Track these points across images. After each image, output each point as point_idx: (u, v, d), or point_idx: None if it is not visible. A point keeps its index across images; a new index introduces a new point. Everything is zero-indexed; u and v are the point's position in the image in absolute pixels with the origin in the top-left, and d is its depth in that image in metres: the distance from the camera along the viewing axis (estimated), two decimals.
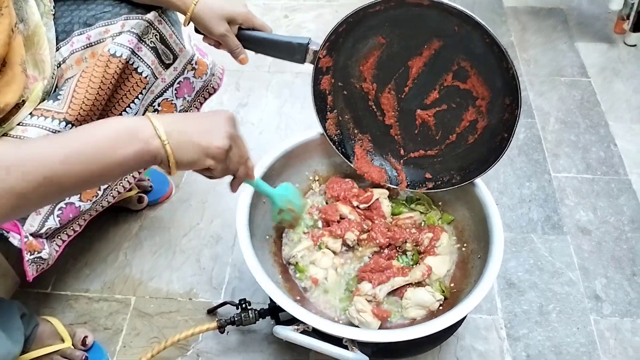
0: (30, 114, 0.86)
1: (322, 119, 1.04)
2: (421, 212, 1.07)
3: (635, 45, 1.73)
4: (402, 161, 1.06)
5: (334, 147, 1.05)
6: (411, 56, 0.95)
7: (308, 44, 0.96)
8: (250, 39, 0.98)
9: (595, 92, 1.58)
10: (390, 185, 1.06)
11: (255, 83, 1.59)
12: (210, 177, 0.71)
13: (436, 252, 1.00)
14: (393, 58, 0.97)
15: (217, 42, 0.98)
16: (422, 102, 0.99)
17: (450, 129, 1.00)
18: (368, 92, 1.02)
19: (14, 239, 0.83)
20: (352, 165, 1.06)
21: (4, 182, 0.54)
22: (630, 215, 1.26)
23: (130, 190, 1.22)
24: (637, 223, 1.24)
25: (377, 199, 1.06)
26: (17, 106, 0.84)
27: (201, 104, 1.13)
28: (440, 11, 0.86)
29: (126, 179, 1.07)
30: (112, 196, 1.04)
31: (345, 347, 0.82)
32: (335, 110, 1.04)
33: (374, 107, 1.03)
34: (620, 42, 1.75)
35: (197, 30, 0.98)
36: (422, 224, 1.05)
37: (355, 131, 1.06)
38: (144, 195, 1.27)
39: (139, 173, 1.12)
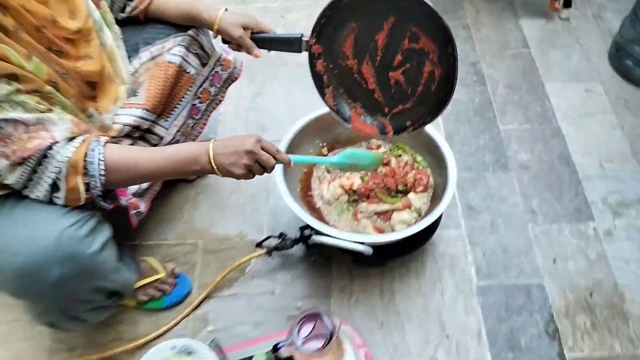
0: (121, 107, 1.22)
1: (322, 94, 1.31)
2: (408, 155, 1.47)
3: (567, 19, 2.08)
4: (387, 117, 1.31)
5: (334, 114, 1.33)
6: (376, 32, 1.20)
7: (301, 36, 1.25)
8: (260, 39, 1.30)
9: (534, 60, 1.95)
10: (380, 135, 1.34)
11: (266, 76, 1.96)
12: (260, 173, 1.08)
13: (417, 190, 1.44)
14: (364, 37, 1.21)
15: (238, 45, 1.31)
16: (391, 65, 1.23)
17: (416, 82, 1.23)
18: (352, 67, 1.27)
19: (122, 200, 1.20)
20: (349, 127, 1.34)
21: (132, 169, 1.01)
22: (559, 153, 1.67)
23: None
24: (564, 158, 1.65)
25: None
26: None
27: (226, 88, 1.51)
28: None
29: None
30: None
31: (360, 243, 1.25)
32: (331, 86, 1.30)
33: (358, 78, 1.28)
34: (556, 17, 2.09)
35: (223, 40, 1.33)
36: (414, 163, 1.45)
37: (349, 100, 1.33)
38: None
39: None
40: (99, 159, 0.98)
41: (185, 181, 1.65)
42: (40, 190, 0.96)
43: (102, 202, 1.03)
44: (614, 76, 1.89)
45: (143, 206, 1.34)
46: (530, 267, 1.43)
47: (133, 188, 1.32)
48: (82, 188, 0.98)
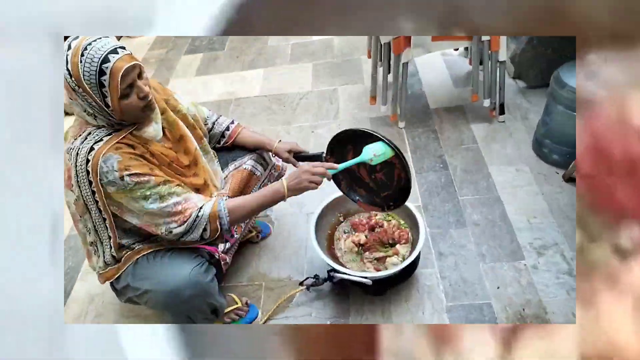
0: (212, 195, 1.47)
1: (338, 185, 1.51)
2: (395, 219, 1.68)
3: (503, 121, 2.25)
4: (380, 199, 1.48)
5: (346, 196, 1.52)
6: (363, 148, 1.33)
7: (322, 154, 1.45)
8: (300, 157, 1.54)
9: (480, 151, 2.11)
10: (375, 209, 1.50)
11: None
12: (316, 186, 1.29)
13: (401, 242, 1.65)
14: (358, 152, 1.35)
15: (286, 160, 1.58)
16: (375, 169, 1.43)
17: (392, 179, 1.42)
18: (354, 169, 1.46)
19: (216, 255, 1.43)
20: (356, 204, 1.52)
21: (242, 208, 1.28)
22: (499, 213, 1.81)
23: (251, 232, 1.84)
24: (503, 217, 1.79)
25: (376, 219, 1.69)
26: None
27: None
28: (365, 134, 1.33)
29: (249, 229, 1.74)
30: (245, 233, 1.67)
31: (364, 277, 1.44)
32: (344, 180, 1.50)
33: (359, 176, 1.48)
34: (495, 121, 2.25)
35: (277, 157, 1.60)
36: (399, 225, 1.65)
37: (355, 187, 1.51)
38: (258, 234, 1.84)
39: (254, 221, 1.76)
40: (224, 207, 1.25)
41: (251, 243, 1.87)
42: (196, 234, 1.24)
43: (229, 234, 1.36)
44: (537, 159, 2.03)
45: (228, 259, 1.59)
46: (482, 292, 1.57)
47: (220, 247, 1.56)
48: (218, 227, 1.25)
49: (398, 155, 1.33)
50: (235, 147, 1.61)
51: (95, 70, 1.05)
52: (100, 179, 1.13)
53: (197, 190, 1.37)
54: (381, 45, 2.36)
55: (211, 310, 1.40)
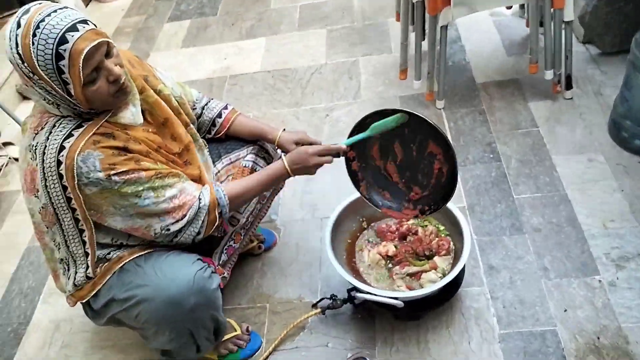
0: None
1: (357, 187, 1.55)
2: (433, 225, 1.68)
3: (571, 98, 2.23)
4: (410, 202, 1.53)
5: (366, 201, 1.57)
6: (394, 141, 1.45)
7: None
8: None
9: (542, 136, 2.09)
10: (404, 215, 1.54)
11: None
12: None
13: (441, 254, 1.64)
14: (385, 145, 1.45)
15: None
16: (409, 164, 1.47)
17: (430, 176, 1.46)
18: (379, 166, 1.50)
19: (213, 267, 1.41)
20: (380, 211, 1.58)
21: (243, 191, 1.38)
22: (566, 216, 1.80)
23: (252, 242, 1.86)
24: (571, 220, 1.78)
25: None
26: None
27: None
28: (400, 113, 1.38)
29: (250, 238, 1.75)
30: (246, 241, 1.69)
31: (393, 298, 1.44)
32: (365, 180, 1.54)
33: (385, 174, 1.52)
34: (560, 98, 2.24)
35: (281, 151, 1.60)
36: (437, 231, 1.65)
37: (379, 189, 1.55)
38: (261, 244, 1.87)
39: (255, 228, 1.75)
40: (223, 193, 1.34)
41: (253, 255, 1.89)
42: (194, 228, 1.31)
43: (222, 224, 1.42)
44: (614, 146, 2.01)
45: (226, 272, 1.61)
46: (544, 316, 1.56)
47: (217, 260, 1.55)
48: (216, 217, 1.32)
49: (441, 140, 1.33)
50: (228, 139, 1.63)
51: (51, 54, 1.05)
52: (79, 180, 1.14)
53: (195, 182, 1.40)
54: (413, 4, 2.34)
55: (214, 329, 1.43)
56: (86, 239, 1.27)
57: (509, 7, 2.82)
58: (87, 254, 1.30)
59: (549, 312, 1.57)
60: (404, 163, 1.48)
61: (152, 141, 1.29)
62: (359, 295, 1.49)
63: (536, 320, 1.56)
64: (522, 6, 2.75)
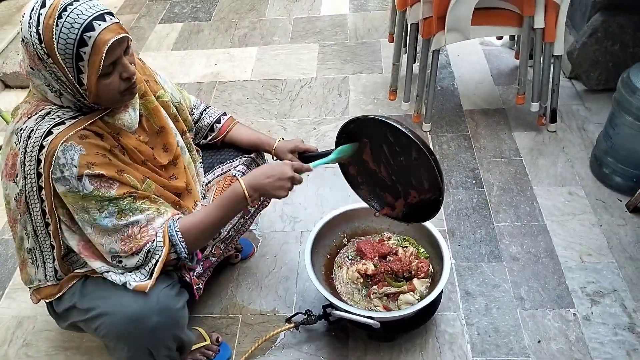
0: (195, 205, 1.45)
1: (357, 191, 1.52)
2: (413, 246, 1.67)
3: (555, 131, 2.26)
4: (405, 204, 1.46)
5: (367, 203, 1.52)
6: (381, 144, 1.37)
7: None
8: (305, 157, 1.51)
9: (525, 166, 2.11)
10: (395, 219, 1.49)
11: None
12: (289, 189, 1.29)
13: (419, 276, 1.62)
14: (376, 147, 1.39)
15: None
16: (399, 168, 1.40)
17: (421, 180, 1.38)
18: (374, 169, 1.44)
19: (188, 277, 1.39)
20: (379, 212, 1.50)
21: (200, 225, 1.23)
22: (544, 247, 1.80)
23: (230, 251, 1.86)
24: (549, 252, 1.79)
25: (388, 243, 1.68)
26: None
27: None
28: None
29: (231, 247, 1.71)
30: (225, 254, 1.67)
31: (369, 318, 1.42)
32: (365, 183, 1.50)
33: (381, 176, 1.45)
34: (545, 130, 2.27)
35: (277, 159, 1.56)
36: (417, 253, 1.63)
37: (379, 191, 1.50)
38: (238, 253, 1.84)
39: (236, 241, 1.73)
40: (175, 229, 1.21)
41: (229, 264, 1.86)
42: (148, 268, 1.20)
43: (190, 262, 1.29)
44: (594, 181, 2.04)
45: (201, 284, 1.56)
46: (518, 346, 1.55)
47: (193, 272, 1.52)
48: (173, 257, 1.21)
49: (419, 148, 1.26)
50: (224, 146, 1.61)
51: (75, 39, 1.02)
52: (52, 172, 1.10)
53: (178, 195, 1.36)
54: (407, 26, 2.35)
55: (178, 347, 1.37)
56: (51, 232, 1.22)
57: (500, 38, 2.87)
58: (52, 247, 1.25)
59: (523, 342, 1.56)
60: (395, 167, 1.42)
61: (141, 152, 1.24)
62: (335, 312, 1.46)
63: (510, 349, 1.55)
64: (512, 37, 2.79)
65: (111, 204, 1.14)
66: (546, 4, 2.01)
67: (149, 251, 1.19)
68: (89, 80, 1.08)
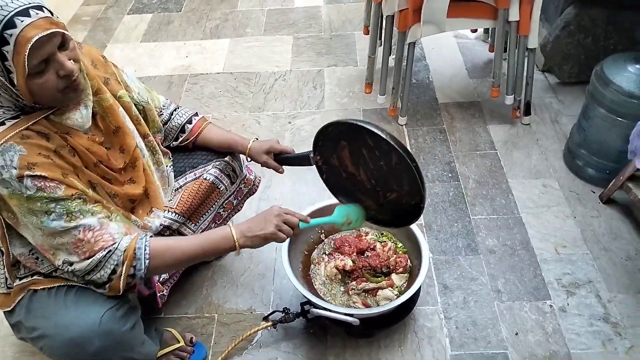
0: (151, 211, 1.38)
1: (335, 194, 1.49)
2: (391, 241, 1.65)
3: (529, 124, 2.28)
4: (383, 204, 1.43)
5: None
6: (360, 147, 1.34)
7: (310, 154, 1.42)
8: (280, 159, 1.51)
9: (500, 159, 2.12)
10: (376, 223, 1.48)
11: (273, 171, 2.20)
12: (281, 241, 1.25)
13: (398, 271, 1.61)
14: (354, 150, 1.36)
15: (264, 164, 1.52)
16: (377, 170, 1.36)
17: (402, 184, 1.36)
18: (354, 173, 1.42)
19: (149, 285, 1.38)
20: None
21: (172, 252, 1.17)
22: (520, 239, 1.81)
23: None
24: (525, 244, 1.80)
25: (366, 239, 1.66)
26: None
27: (245, 200, 1.70)
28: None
29: None
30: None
31: (349, 315, 1.40)
32: (343, 186, 1.46)
33: (359, 179, 1.42)
34: (519, 123, 2.28)
35: (252, 160, 1.53)
36: (395, 248, 1.62)
37: (358, 196, 1.46)
38: None
39: None
40: (145, 245, 1.15)
41: (203, 262, 1.81)
42: (102, 274, 1.13)
43: (143, 286, 1.21)
44: (568, 173, 2.06)
45: (166, 290, 1.52)
46: (496, 338, 1.55)
47: (157, 277, 1.47)
48: (129, 272, 1.13)
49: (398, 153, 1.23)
50: (196, 149, 1.55)
51: None
52: None
53: (132, 202, 1.30)
54: (383, 18, 2.33)
55: None
56: None
57: (474, 31, 2.88)
58: (1, 253, 1.20)
59: (500, 334, 1.57)
60: (375, 171, 1.40)
61: (93, 153, 1.17)
62: (313, 310, 1.44)
63: (488, 342, 1.55)
64: (486, 31, 2.80)
65: (58, 205, 1.07)
66: None
67: (104, 256, 1.11)
68: (18, 80, 1.00)
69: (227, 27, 3.13)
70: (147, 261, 1.14)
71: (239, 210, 1.70)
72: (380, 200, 1.45)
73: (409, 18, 2.06)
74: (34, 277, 1.23)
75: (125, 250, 1.12)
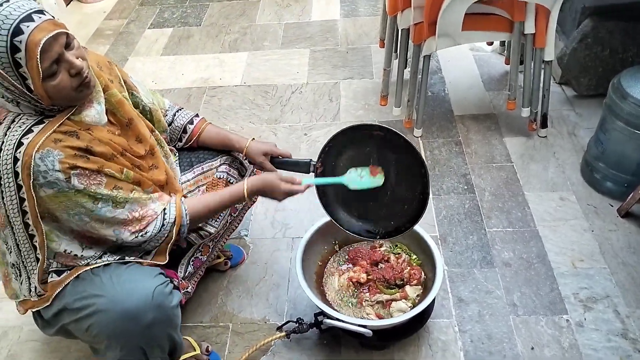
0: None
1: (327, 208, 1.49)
2: (405, 253, 1.65)
3: (545, 137, 2.27)
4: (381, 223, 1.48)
5: (337, 225, 1.50)
6: (368, 158, 1.42)
7: (310, 161, 1.46)
8: (277, 162, 1.52)
9: (516, 172, 2.10)
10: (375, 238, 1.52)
11: None
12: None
13: (412, 283, 1.60)
14: (360, 160, 1.42)
15: (260, 165, 1.54)
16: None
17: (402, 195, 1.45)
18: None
19: (175, 281, 1.37)
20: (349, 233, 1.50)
21: (201, 214, 1.31)
22: (537, 253, 1.79)
23: (219, 258, 1.81)
24: (541, 257, 1.78)
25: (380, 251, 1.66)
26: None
27: None
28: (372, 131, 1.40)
29: (218, 251, 1.69)
30: (214, 255, 1.64)
31: (362, 326, 1.40)
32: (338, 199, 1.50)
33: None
34: (535, 135, 2.26)
35: (249, 162, 1.57)
36: (409, 260, 1.62)
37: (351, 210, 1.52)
38: (228, 260, 1.81)
39: (225, 241, 1.70)
40: (186, 212, 1.30)
41: (218, 271, 1.82)
42: (154, 245, 1.28)
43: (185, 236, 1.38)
44: (585, 186, 2.04)
45: (190, 287, 1.54)
46: (511, 353, 1.53)
47: (181, 271, 1.50)
48: (175, 234, 1.28)
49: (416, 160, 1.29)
50: (199, 148, 1.58)
51: (6, 47, 0.98)
52: (34, 180, 1.07)
53: (161, 188, 1.35)
54: (398, 31, 2.34)
55: (170, 349, 1.35)
56: (37, 244, 1.19)
57: (490, 43, 2.87)
58: (37, 260, 1.22)
59: (516, 349, 1.54)
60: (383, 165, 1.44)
61: (117, 144, 1.22)
62: (326, 321, 1.44)
63: (503, 356, 1.53)
64: (502, 43, 2.79)
65: (104, 197, 1.16)
66: (537, 10, 2.01)
67: (160, 227, 1.26)
68: (35, 85, 1.04)
69: (246, 40, 3.18)
70: (188, 224, 1.30)
71: (253, 203, 1.73)
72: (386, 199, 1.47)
73: (424, 31, 2.07)
74: (71, 270, 1.25)
75: (174, 220, 1.27)
